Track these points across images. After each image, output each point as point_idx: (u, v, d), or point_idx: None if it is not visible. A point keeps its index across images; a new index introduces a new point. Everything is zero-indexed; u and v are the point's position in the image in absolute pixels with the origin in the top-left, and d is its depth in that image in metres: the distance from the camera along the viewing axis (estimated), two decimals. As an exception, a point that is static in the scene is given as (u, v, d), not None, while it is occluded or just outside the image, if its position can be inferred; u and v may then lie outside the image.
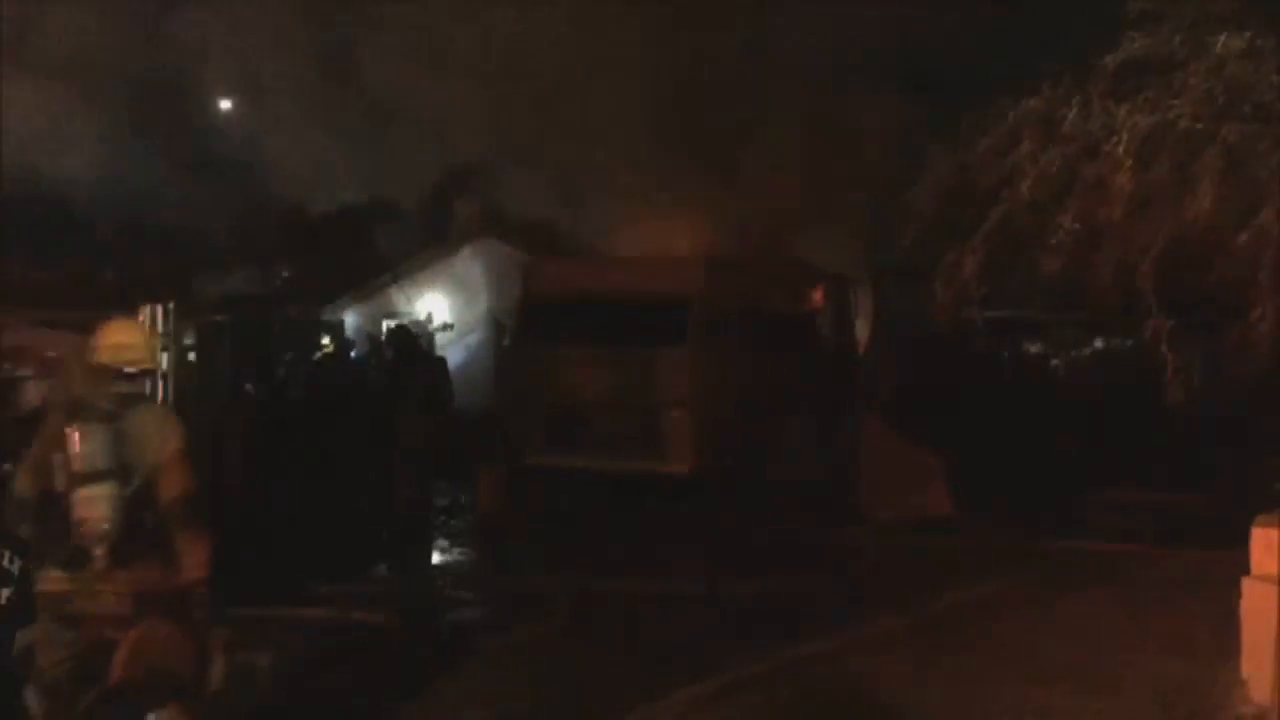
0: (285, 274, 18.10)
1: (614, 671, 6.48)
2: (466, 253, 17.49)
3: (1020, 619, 7.58)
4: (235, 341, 10.96)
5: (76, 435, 4.22)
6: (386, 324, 16.22)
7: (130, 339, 4.53)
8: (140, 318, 7.03)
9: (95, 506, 4.19)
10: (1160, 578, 8.47)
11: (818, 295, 13.84)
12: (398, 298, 17.30)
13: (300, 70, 13.14)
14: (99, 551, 4.19)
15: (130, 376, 4.46)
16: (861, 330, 15.11)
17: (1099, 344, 19.52)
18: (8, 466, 5.27)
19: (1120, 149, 5.22)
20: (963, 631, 7.31)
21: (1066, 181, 5.53)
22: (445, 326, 16.73)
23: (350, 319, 17.00)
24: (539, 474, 11.54)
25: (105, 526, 4.19)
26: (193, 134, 13.64)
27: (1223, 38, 5.06)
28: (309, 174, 14.74)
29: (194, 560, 4.30)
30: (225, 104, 16.15)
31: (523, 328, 12.58)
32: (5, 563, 2.96)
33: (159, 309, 7.13)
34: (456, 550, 9.93)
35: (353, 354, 13.74)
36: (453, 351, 16.48)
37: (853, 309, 14.65)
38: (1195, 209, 5.12)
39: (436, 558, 9.62)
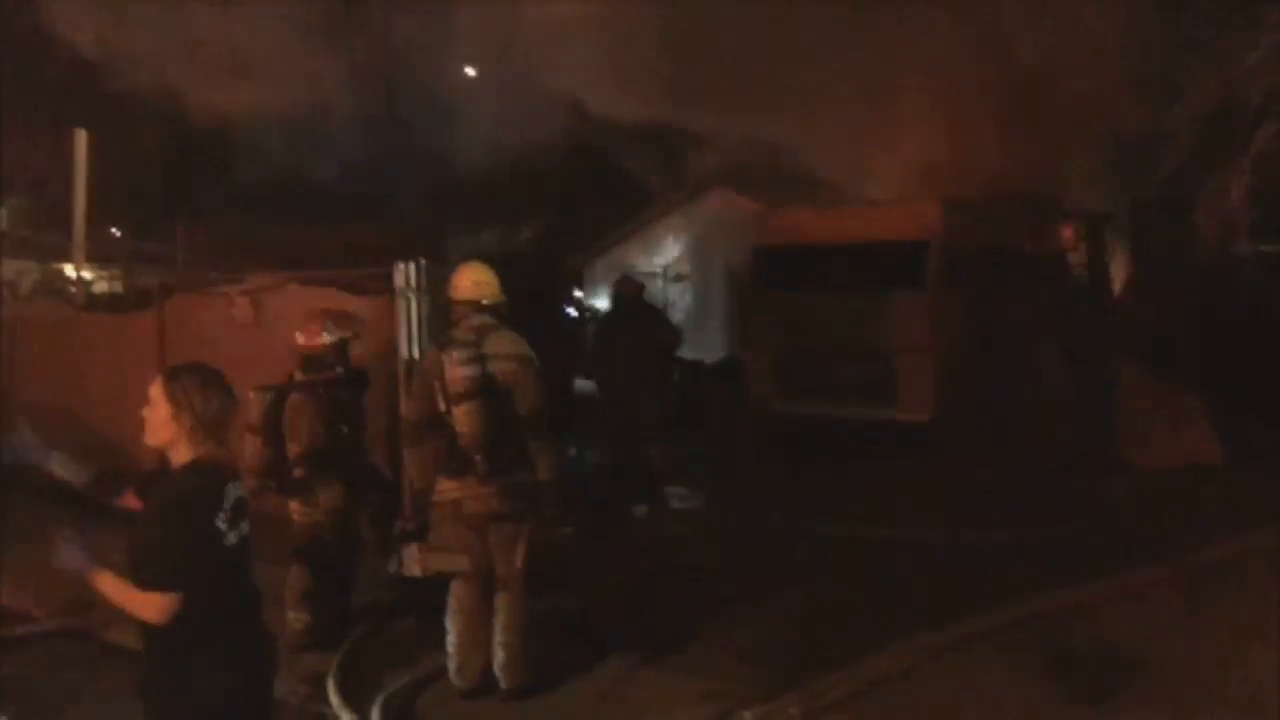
0: (528, 231, 18.80)
1: (850, 617, 6.47)
2: (701, 203, 17.59)
3: (1294, 573, 7.02)
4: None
5: (451, 361, 5.07)
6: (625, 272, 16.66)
7: (485, 277, 5.40)
8: (396, 274, 7.51)
9: (471, 420, 5.00)
10: None
11: (1068, 233, 13.13)
12: (635, 250, 17.63)
13: (529, 31, 13.49)
14: (478, 457, 5.03)
15: (486, 308, 5.30)
16: (1118, 268, 14.23)
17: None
18: (345, 430, 6.02)
19: None
20: (1227, 585, 6.85)
21: (1351, 94, 4.96)
22: (680, 277, 16.94)
23: (590, 272, 17.48)
24: (777, 421, 11.56)
25: (481, 436, 4.99)
26: (435, 102, 14.26)
27: None
28: (547, 132, 15.14)
29: (547, 463, 5.17)
30: (469, 71, 16.80)
31: (758, 276, 12.57)
32: (245, 494, 3.30)
33: (412, 266, 7.54)
34: (694, 497, 10.10)
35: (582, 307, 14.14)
36: (687, 301, 16.69)
37: (1107, 246, 13.80)
38: None
39: (674, 504, 9.81)
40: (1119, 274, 14.06)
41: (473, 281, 5.37)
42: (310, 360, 6.25)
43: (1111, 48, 11.78)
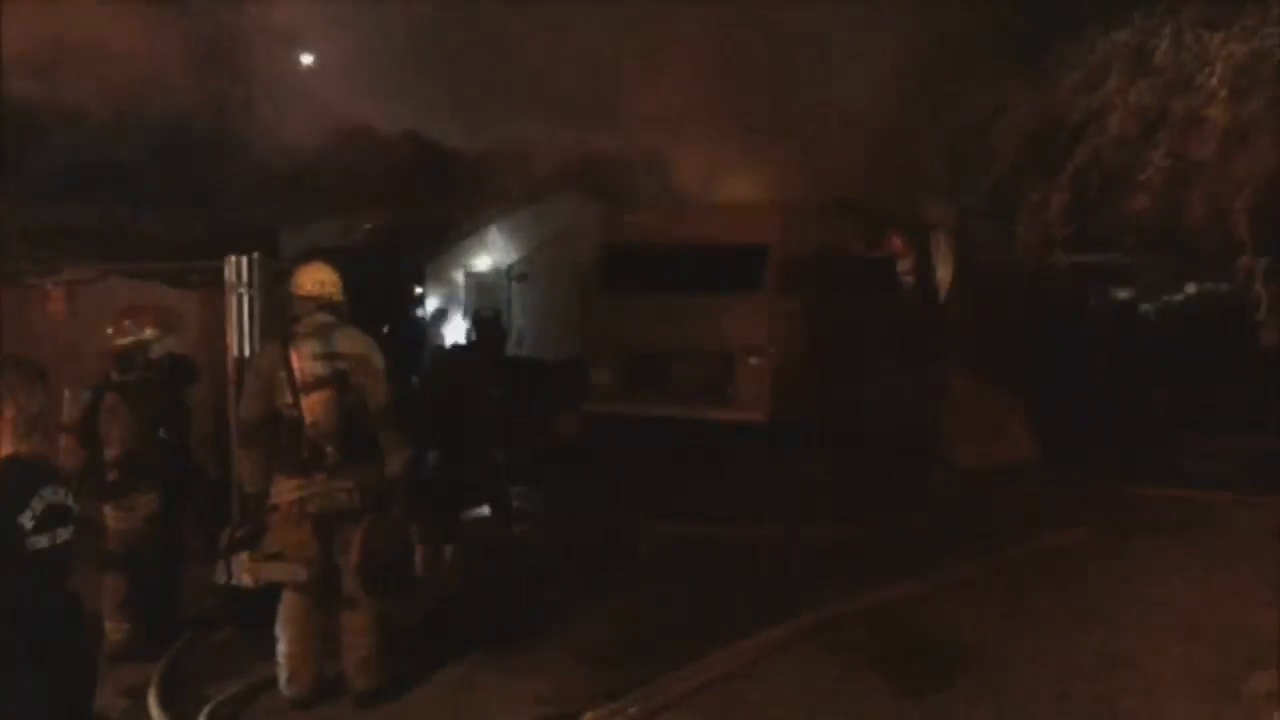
0: (368, 226, 18.33)
1: (690, 614, 6.55)
2: (546, 203, 17.52)
3: (1102, 565, 7.48)
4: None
5: (301, 354, 4.99)
6: (464, 272, 16.45)
7: (329, 276, 5.28)
8: (227, 268, 7.20)
9: (324, 410, 4.94)
10: (1249, 525, 8.28)
11: (898, 240, 13.62)
12: (478, 248, 17.43)
13: (378, 20, 13.16)
14: (329, 449, 4.93)
15: (328, 306, 5.19)
16: (943, 275, 14.84)
17: (1190, 289, 18.96)
18: (162, 433, 5.74)
19: (1214, 80, 4.99)
20: (1044, 576, 7.24)
21: (1157, 116, 5.32)
22: (523, 276, 16.83)
23: (430, 270, 17.17)
24: (618, 422, 11.61)
25: (332, 425, 4.93)
26: (270, 91, 13.75)
27: (1325, -40, 4.80)
28: (390, 127, 14.83)
29: (396, 459, 5.10)
30: (306, 58, 16.27)
31: (602, 277, 12.61)
32: (68, 501, 3.10)
33: (244, 259, 7.24)
34: (537, 496, 10.05)
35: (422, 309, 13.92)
36: (531, 301, 16.61)
37: (934, 253, 14.38)
38: (1294, 142, 4.88)
39: (515, 504, 9.73)
40: (946, 280, 14.67)
41: (316, 280, 5.26)
42: (123, 359, 5.96)
43: (941, 64, 12.33)
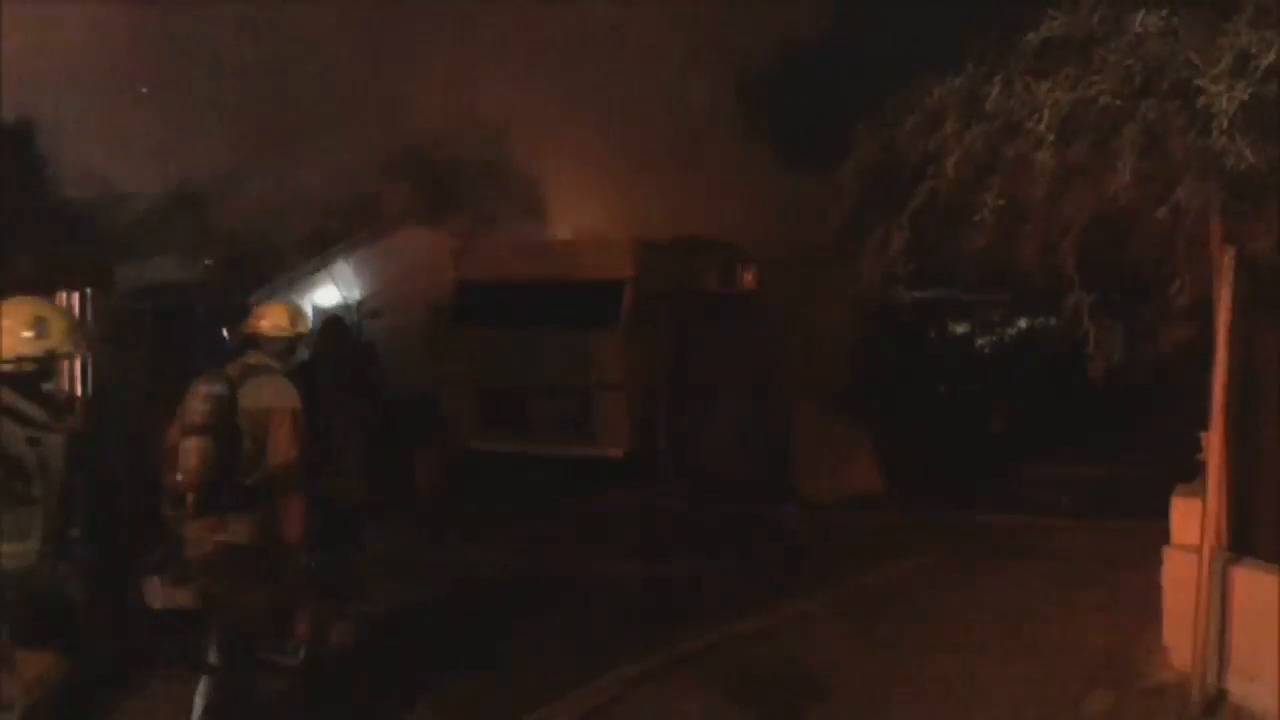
0: (209, 261, 17.71)
1: (550, 652, 6.48)
2: (396, 238, 17.26)
3: (948, 592, 7.73)
4: (156, 329, 10.68)
5: (194, 393, 4.75)
6: (313, 308, 15.98)
7: (284, 318, 5.06)
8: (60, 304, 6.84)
9: (191, 456, 4.68)
10: (1084, 549, 8.69)
11: (749, 276, 13.90)
12: (325, 284, 17.03)
13: (225, 50, 12.78)
14: (190, 496, 4.68)
15: (271, 343, 4.96)
16: (796, 310, 15.19)
17: (1022, 324, 19.99)
18: None
19: (1042, 126, 5.24)
20: (892, 605, 7.44)
21: (990, 159, 5.56)
22: (374, 313, 16.51)
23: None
24: (474, 457, 11.48)
25: (194, 475, 4.66)
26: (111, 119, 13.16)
27: (1140, 15, 5.12)
28: (235, 158, 14.38)
29: (290, 523, 4.79)
30: (144, 90, 15.68)
31: (456, 311, 12.48)
32: None
33: (76, 296, 6.92)
34: (392, 534, 9.81)
35: None
36: (382, 338, 16.27)
37: (782, 289, 14.72)
38: (1115, 185, 5.17)
39: (366, 545, 9.48)
40: (797, 315, 15.03)
41: (274, 324, 5.01)
42: None
43: (788, 104, 12.73)
